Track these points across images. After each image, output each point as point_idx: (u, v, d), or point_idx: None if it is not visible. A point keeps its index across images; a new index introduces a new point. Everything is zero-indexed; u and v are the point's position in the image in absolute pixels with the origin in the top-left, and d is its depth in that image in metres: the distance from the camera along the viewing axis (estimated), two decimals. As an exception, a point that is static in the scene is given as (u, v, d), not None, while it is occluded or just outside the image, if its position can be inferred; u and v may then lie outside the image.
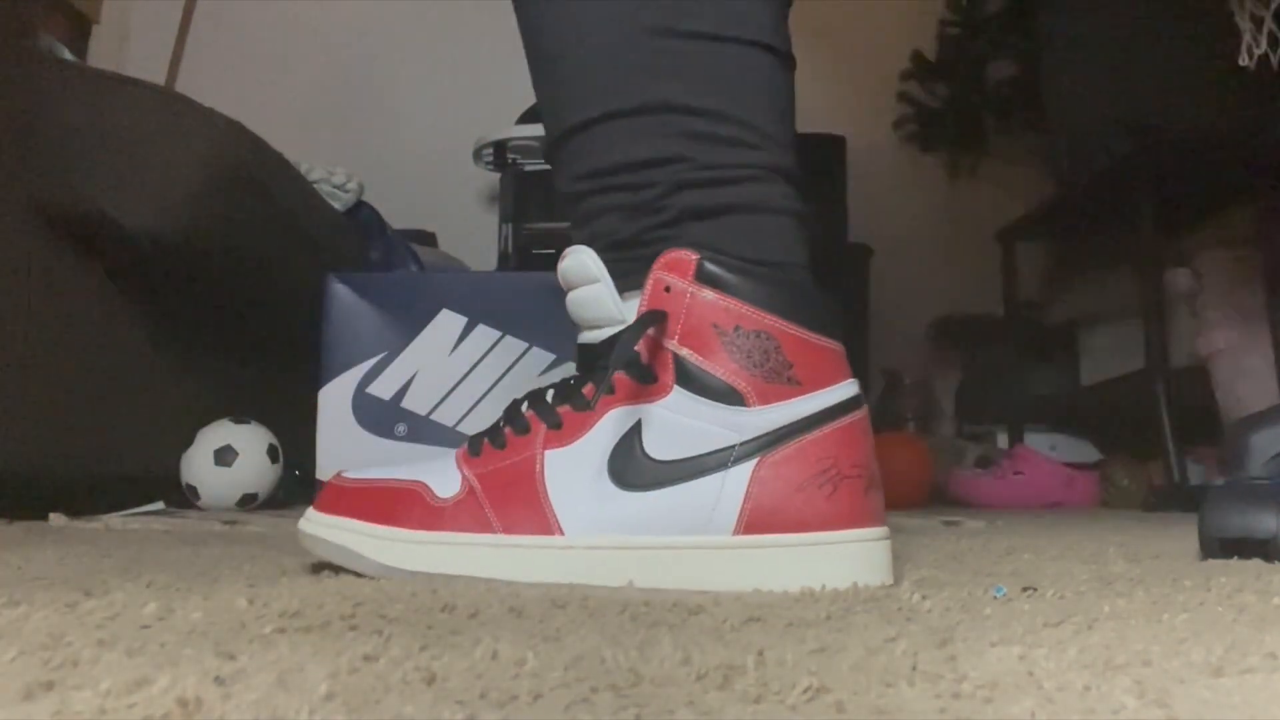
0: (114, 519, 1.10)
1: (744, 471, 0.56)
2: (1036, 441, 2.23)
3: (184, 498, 1.35)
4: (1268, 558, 0.65)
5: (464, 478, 0.58)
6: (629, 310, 0.58)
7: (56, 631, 0.38)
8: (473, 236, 2.56)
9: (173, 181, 1.16)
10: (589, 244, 0.60)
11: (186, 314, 1.40)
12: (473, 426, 1.20)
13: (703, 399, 0.57)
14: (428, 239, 2.26)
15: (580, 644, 0.36)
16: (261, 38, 2.63)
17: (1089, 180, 2.16)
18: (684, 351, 0.57)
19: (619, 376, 0.57)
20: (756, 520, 0.56)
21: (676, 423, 0.57)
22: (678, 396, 0.57)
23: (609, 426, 0.57)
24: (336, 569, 0.60)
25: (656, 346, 0.57)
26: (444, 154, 2.62)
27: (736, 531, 0.56)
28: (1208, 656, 0.35)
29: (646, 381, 0.57)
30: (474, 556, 0.56)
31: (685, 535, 0.56)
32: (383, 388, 1.22)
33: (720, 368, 0.57)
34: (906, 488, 1.79)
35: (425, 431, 1.21)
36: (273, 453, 1.36)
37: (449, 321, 1.23)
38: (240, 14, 2.62)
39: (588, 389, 0.58)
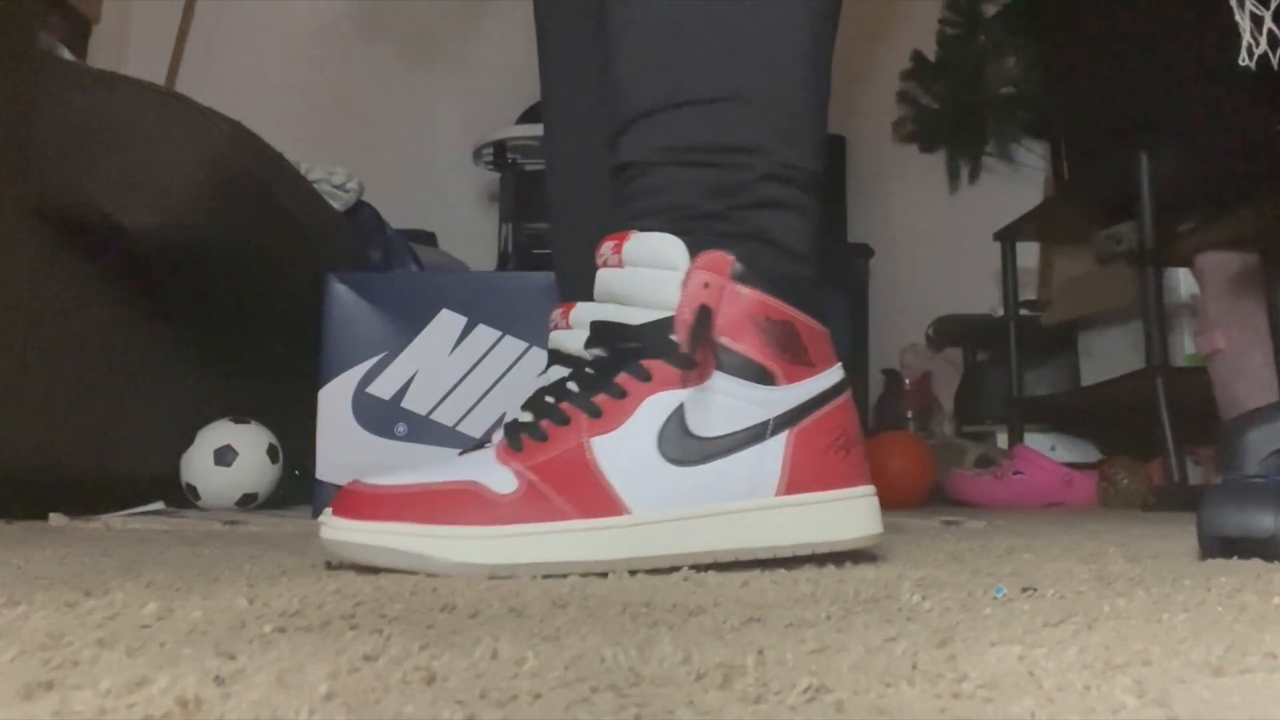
0: (114, 519, 1.10)
1: (780, 441, 0.64)
2: (1036, 441, 2.23)
3: (184, 498, 1.35)
4: (1267, 556, 0.65)
5: (516, 472, 0.60)
6: None
7: (56, 631, 0.38)
8: (473, 236, 2.56)
9: (173, 181, 1.16)
10: (655, 211, 0.66)
11: (187, 314, 1.40)
12: (473, 426, 1.20)
13: (740, 380, 0.63)
14: (428, 239, 2.26)
15: (580, 644, 0.36)
16: (261, 38, 2.63)
17: (1089, 180, 2.16)
18: (723, 340, 0.63)
19: (657, 364, 0.62)
20: (795, 482, 0.64)
21: (718, 403, 0.63)
22: (719, 380, 0.63)
23: (652, 410, 0.62)
24: (335, 568, 0.60)
25: (696, 334, 0.62)
26: (444, 154, 2.62)
27: (779, 493, 0.64)
28: (1208, 656, 0.35)
29: (686, 368, 0.62)
30: (551, 543, 0.59)
31: (736, 501, 0.63)
32: (383, 388, 1.22)
33: (755, 353, 0.64)
34: (906, 488, 1.79)
35: (425, 431, 1.21)
36: (273, 453, 1.36)
37: (449, 321, 1.23)
38: (240, 14, 2.62)
39: (622, 378, 0.62)
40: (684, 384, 0.62)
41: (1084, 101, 2.25)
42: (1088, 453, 2.27)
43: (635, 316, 0.64)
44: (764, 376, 0.63)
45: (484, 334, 1.22)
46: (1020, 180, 2.73)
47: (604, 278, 0.66)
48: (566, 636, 0.38)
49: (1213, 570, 0.61)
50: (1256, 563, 0.64)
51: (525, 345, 1.21)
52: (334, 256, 1.47)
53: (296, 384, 1.32)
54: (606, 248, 0.66)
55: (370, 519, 0.59)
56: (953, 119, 2.76)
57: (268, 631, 0.39)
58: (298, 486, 1.42)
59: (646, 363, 0.62)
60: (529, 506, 0.60)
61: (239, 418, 1.38)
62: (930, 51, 2.78)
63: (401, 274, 1.67)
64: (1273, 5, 0.88)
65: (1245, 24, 0.88)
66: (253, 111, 1.36)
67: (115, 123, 1.15)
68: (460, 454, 0.85)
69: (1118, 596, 0.50)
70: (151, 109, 1.16)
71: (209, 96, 1.23)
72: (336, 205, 1.69)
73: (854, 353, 2.40)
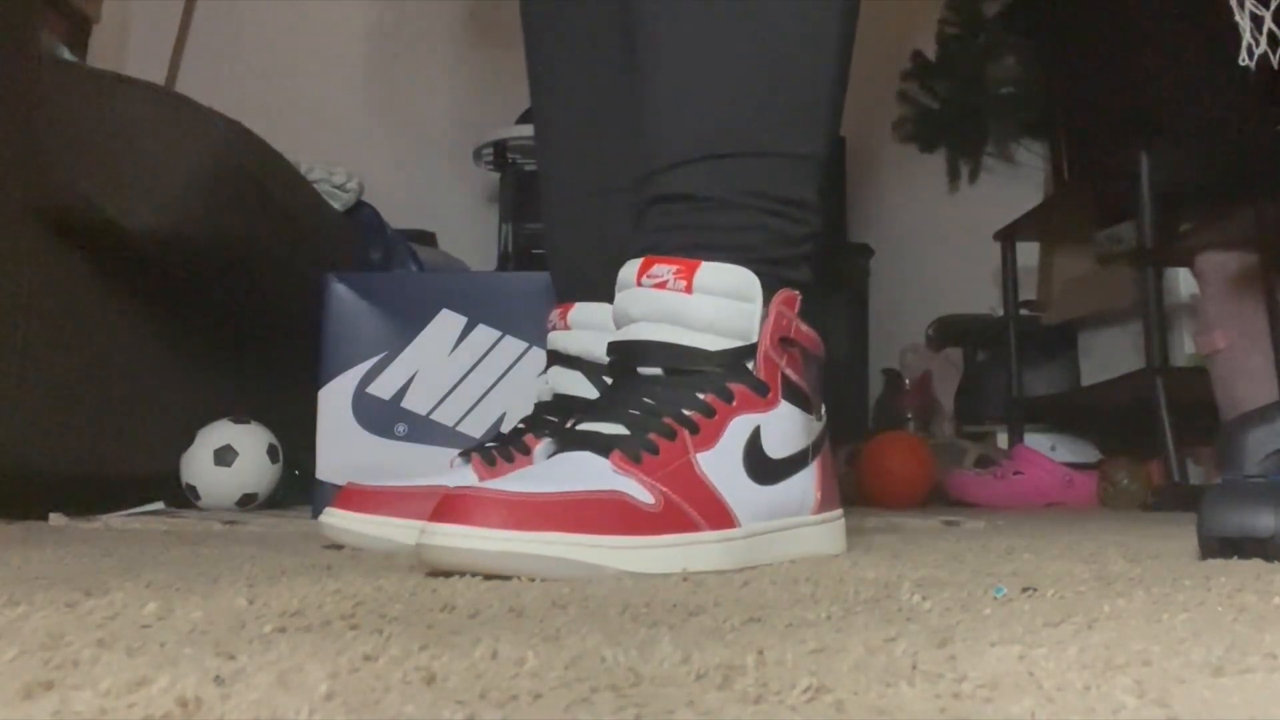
0: (114, 519, 1.10)
1: (814, 467, 0.73)
2: (1036, 441, 2.23)
3: (184, 498, 1.35)
4: (1267, 556, 0.65)
5: (647, 485, 0.61)
6: None
7: (56, 631, 0.38)
8: (473, 236, 2.55)
9: (172, 181, 1.16)
10: (724, 247, 0.69)
11: (186, 314, 1.40)
12: (473, 426, 1.20)
13: (797, 409, 0.70)
14: (428, 239, 2.26)
15: (580, 644, 0.36)
16: (261, 38, 2.63)
17: (1089, 180, 2.16)
18: (788, 371, 0.69)
19: (740, 387, 0.67)
20: (821, 503, 0.73)
21: (783, 428, 0.69)
22: (785, 407, 0.69)
23: (736, 430, 0.67)
24: (335, 568, 0.60)
25: (772, 364, 0.69)
26: (444, 154, 2.61)
27: (814, 512, 0.73)
28: (1208, 656, 0.35)
29: (763, 394, 0.68)
30: (695, 554, 0.62)
31: (791, 517, 0.70)
32: (383, 388, 1.22)
33: (805, 384, 0.71)
34: (906, 488, 1.79)
35: (425, 431, 1.21)
36: (273, 453, 1.36)
37: (449, 321, 1.22)
38: (240, 14, 2.62)
39: (710, 398, 0.66)
40: (761, 408, 0.68)
41: (1084, 101, 2.25)
42: (1088, 453, 2.27)
43: (707, 342, 0.67)
44: (807, 406, 0.71)
45: (484, 334, 1.22)
46: (1020, 180, 2.73)
47: (665, 300, 0.67)
48: (566, 636, 0.38)
49: (1213, 570, 0.61)
50: (1256, 563, 0.64)
51: (525, 345, 1.21)
52: (334, 256, 1.47)
53: (296, 384, 1.32)
54: (665, 271, 0.68)
55: (519, 529, 0.56)
56: (953, 119, 2.76)
57: (268, 631, 0.39)
58: (298, 486, 1.42)
59: (731, 385, 0.66)
60: (672, 518, 0.61)
61: (239, 418, 1.38)
62: (930, 51, 2.78)
63: (401, 274, 1.67)
64: (1273, 5, 0.88)
65: (1245, 24, 0.88)
66: (253, 111, 1.36)
67: (115, 123, 1.15)
68: (469, 454, 0.85)
69: (1118, 596, 0.50)
70: (151, 109, 1.16)
71: (209, 96, 1.23)
72: (336, 205, 1.69)
73: (851, 355, 2.40)
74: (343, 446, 1.21)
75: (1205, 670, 0.33)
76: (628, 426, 0.63)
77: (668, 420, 0.64)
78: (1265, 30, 0.88)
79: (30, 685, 0.30)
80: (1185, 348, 1.91)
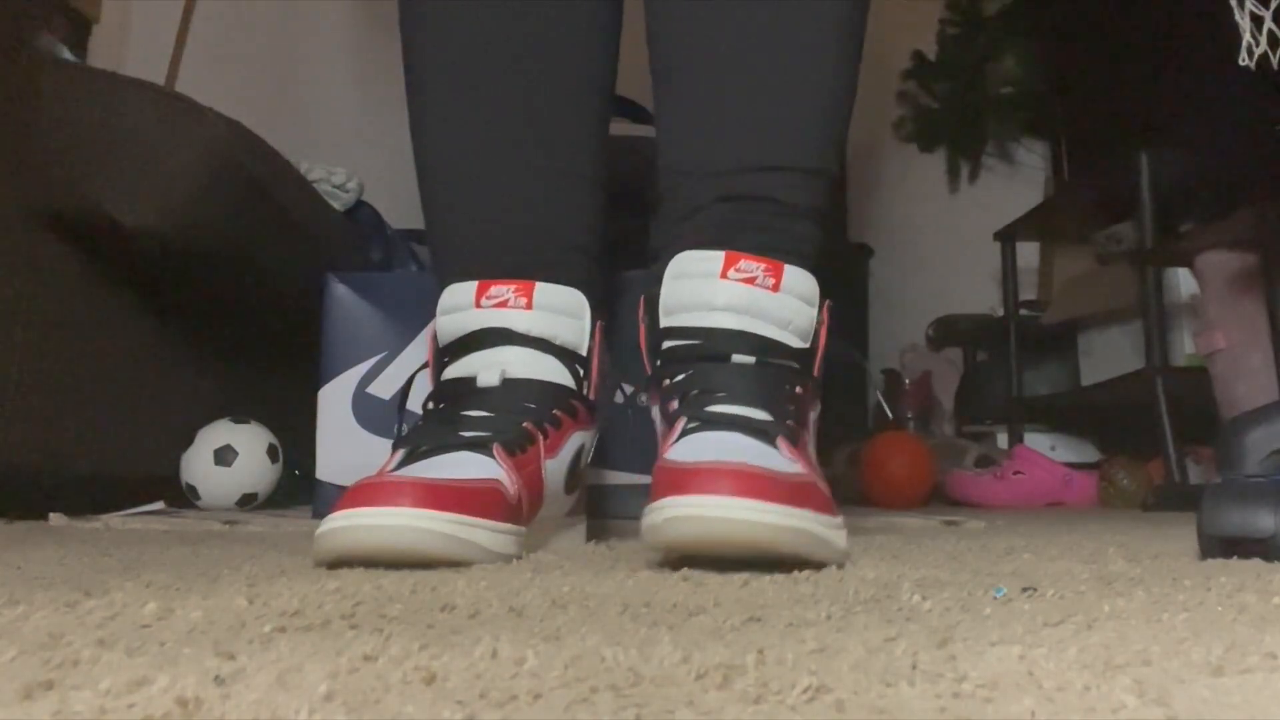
0: (114, 519, 1.10)
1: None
2: (1036, 441, 2.23)
3: (184, 498, 1.35)
4: (1267, 556, 0.65)
5: (810, 469, 0.64)
6: None
7: (56, 631, 0.38)
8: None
9: (173, 181, 1.16)
10: (796, 253, 0.73)
11: (186, 314, 1.40)
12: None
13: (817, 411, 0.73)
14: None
15: (580, 644, 0.36)
16: (261, 38, 2.63)
17: (1089, 180, 2.16)
18: (818, 375, 0.73)
19: (809, 386, 0.71)
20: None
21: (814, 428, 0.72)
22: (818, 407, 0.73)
23: (811, 426, 0.71)
24: (334, 567, 0.60)
25: (820, 368, 0.73)
26: (444, 154, 2.61)
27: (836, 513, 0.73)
28: (1208, 656, 0.35)
29: (819, 393, 0.72)
30: (842, 538, 0.64)
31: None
32: (383, 388, 1.22)
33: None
34: (906, 488, 1.79)
35: (425, 431, 1.21)
36: (273, 453, 1.36)
37: (449, 321, 1.22)
38: (240, 14, 2.62)
39: (800, 390, 0.70)
40: (817, 407, 0.72)
41: (1084, 101, 2.26)
42: (1088, 453, 2.27)
43: (787, 339, 0.71)
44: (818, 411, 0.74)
45: (484, 334, 1.21)
46: (1020, 180, 2.73)
47: (754, 295, 0.70)
48: (566, 636, 0.38)
49: (1213, 570, 0.61)
50: (1256, 563, 0.64)
51: (525, 345, 1.21)
52: (334, 256, 1.47)
53: (296, 384, 1.32)
54: (754, 267, 0.70)
55: (780, 502, 0.56)
56: (953, 119, 2.76)
57: (268, 631, 0.39)
58: (298, 486, 1.42)
59: (807, 382, 0.71)
60: (832, 500, 0.64)
61: (239, 418, 1.38)
62: (930, 51, 2.78)
63: (401, 274, 1.67)
64: (1273, 5, 0.88)
65: (1245, 24, 0.88)
66: (253, 111, 1.36)
67: (115, 122, 1.15)
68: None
69: (1118, 596, 0.50)
70: (151, 109, 1.16)
71: (209, 96, 1.23)
72: (336, 205, 1.69)
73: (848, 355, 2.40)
74: (343, 446, 1.21)
75: (1205, 670, 0.33)
76: (770, 412, 0.66)
77: (791, 406, 0.67)
78: (1265, 30, 0.88)
79: (30, 685, 0.30)
80: (1185, 348, 1.91)
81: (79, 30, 2.31)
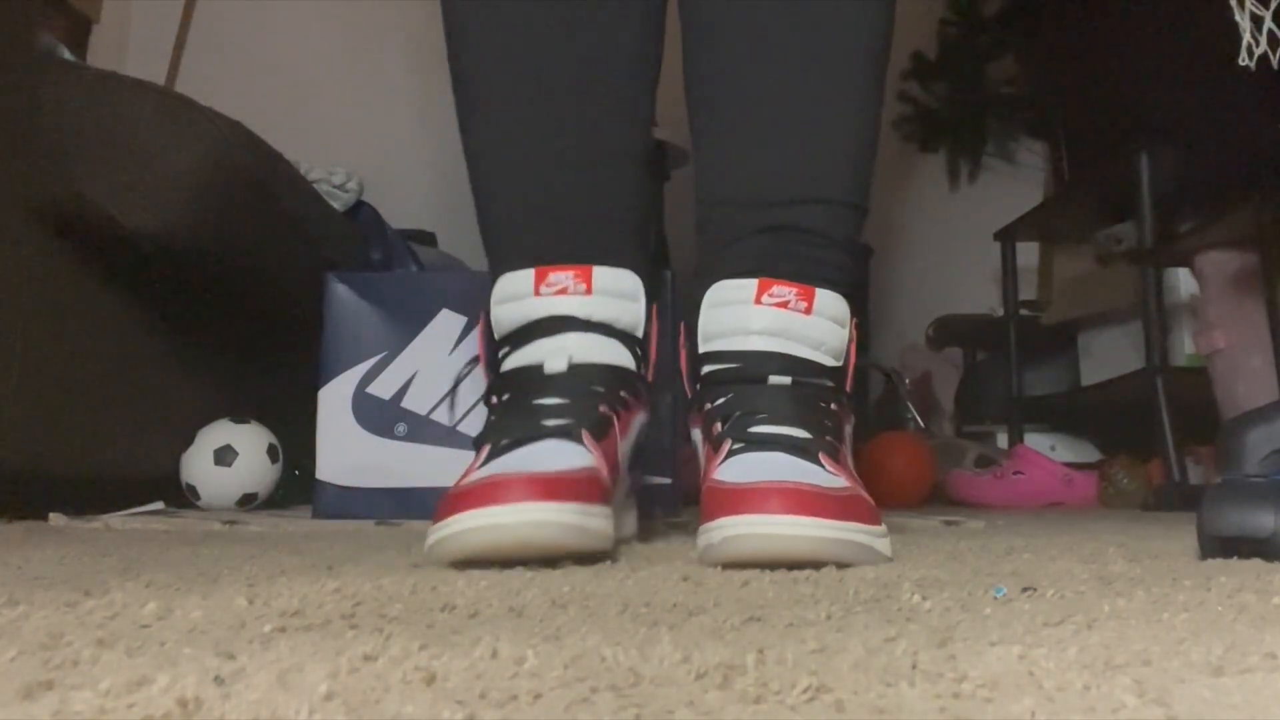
0: (114, 519, 1.10)
1: None
2: (1036, 441, 2.23)
3: (184, 498, 1.35)
4: (1267, 556, 0.65)
5: (853, 484, 0.68)
6: None
7: (56, 631, 0.38)
8: (473, 236, 2.55)
9: (173, 181, 1.16)
10: (831, 280, 0.77)
11: (186, 314, 1.40)
12: (472, 426, 1.20)
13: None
14: (428, 239, 2.25)
15: (580, 644, 0.36)
16: (261, 38, 2.63)
17: (1089, 180, 2.16)
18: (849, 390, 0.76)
19: (844, 403, 0.75)
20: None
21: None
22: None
23: (848, 440, 0.75)
24: (335, 568, 0.60)
25: (851, 383, 0.77)
26: (444, 154, 2.61)
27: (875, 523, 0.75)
28: (1208, 656, 0.35)
29: (853, 408, 0.76)
30: (885, 545, 0.67)
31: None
32: (383, 387, 1.22)
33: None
34: (906, 488, 1.79)
35: (425, 431, 1.21)
36: (272, 453, 1.36)
37: (449, 321, 1.22)
38: (240, 14, 2.62)
39: (836, 408, 0.74)
40: (851, 420, 0.76)
41: (1084, 101, 2.25)
42: (1088, 453, 2.27)
43: (823, 359, 0.74)
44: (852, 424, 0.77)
45: (484, 334, 1.21)
46: (1020, 180, 2.73)
47: (787, 318, 0.74)
48: (566, 636, 0.38)
49: (1213, 570, 0.61)
50: (1256, 563, 0.64)
51: (525, 345, 1.21)
52: (334, 256, 1.47)
53: (296, 384, 1.32)
54: (786, 292, 0.74)
55: (826, 517, 0.60)
56: (953, 119, 2.76)
57: (268, 631, 0.39)
58: (297, 486, 1.42)
59: (841, 399, 0.74)
60: (875, 510, 0.67)
61: (239, 418, 1.37)
62: (930, 51, 2.78)
63: (401, 274, 1.67)
64: (1273, 5, 0.88)
65: (1245, 24, 0.88)
66: (253, 111, 1.36)
67: (115, 122, 1.15)
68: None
69: (1118, 596, 0.50)
70: (151, 109, 1.15)
71: (209, 96, 1.23)
72: (336, 205, 1.68)
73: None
74: (343, 446, 1.21)
75: (1205, 670, 0.33)
76: (809, 430, 0.69)
77: (829, 423, 0.71)
78: (1265, 30, 0.88)
79: (30, 685, 0.30)
80: (1185, 348, 1.91)
81: (79, 30, 2.32)
